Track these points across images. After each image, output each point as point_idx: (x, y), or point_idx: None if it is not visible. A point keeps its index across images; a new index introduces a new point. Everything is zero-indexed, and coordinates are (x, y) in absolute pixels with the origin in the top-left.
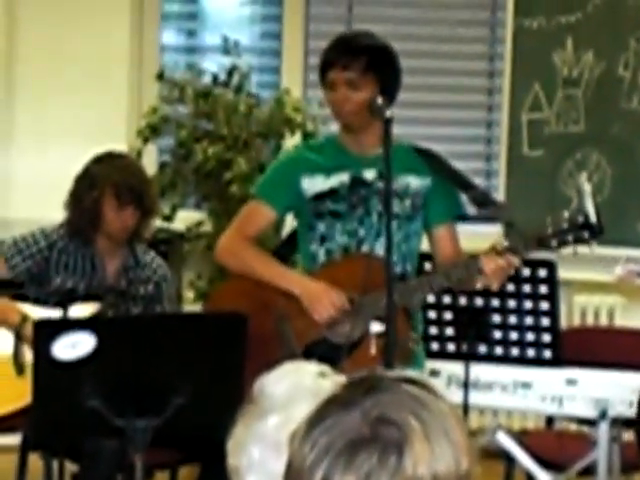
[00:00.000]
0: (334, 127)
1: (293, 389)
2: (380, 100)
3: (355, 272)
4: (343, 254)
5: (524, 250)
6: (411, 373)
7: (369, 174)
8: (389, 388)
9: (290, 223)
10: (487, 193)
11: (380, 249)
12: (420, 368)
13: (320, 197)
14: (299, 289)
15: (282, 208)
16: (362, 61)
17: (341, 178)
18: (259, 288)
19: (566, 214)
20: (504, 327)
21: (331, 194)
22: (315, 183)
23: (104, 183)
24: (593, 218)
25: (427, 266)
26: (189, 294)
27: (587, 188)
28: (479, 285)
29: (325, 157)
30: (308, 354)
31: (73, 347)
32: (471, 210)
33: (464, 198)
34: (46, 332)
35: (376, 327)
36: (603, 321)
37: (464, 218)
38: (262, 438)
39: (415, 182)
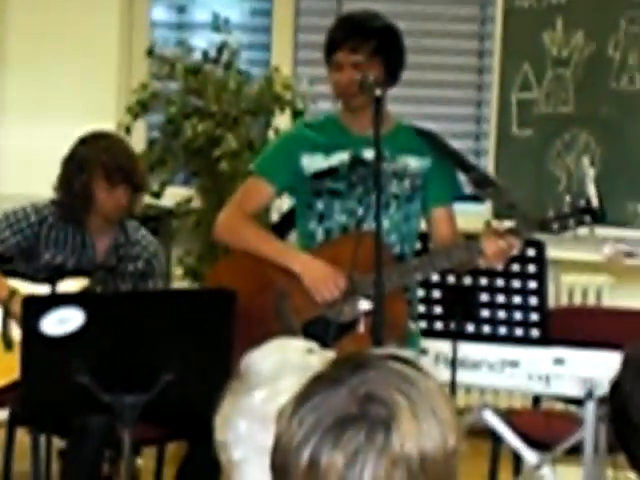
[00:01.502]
0: (324, 105)
1: (280, 364)
2: (371, 78)
3: (353, 250)
4: (342, 233)
5: (526, 232)
6: (398, 351)
7: (369, 154)
8: (376, 366)
9: (278, 204)
10: (487, 175)
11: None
12: (415, 348)
13: (319, 175)
14: (300, 267)
15: (281, 185)
16: (371, 44)
17: (341, 157)
18: (258, 265)
19: (568, 197)
20: (492, 306)
21: (331, 173)
22: (315, 161)
23: (92, 165)
24: (595, 202)
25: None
26: (178, 271)
27: (590, 172)
28: (481, 266)
29: (325, 136)
30: (306, 332)
31: (62, 323)
32: (469, 190)
33: (463, 179)
34: (35, 308)
35: (364, 305)
36: (591, 301)
37: (462, 199)
38: (249, 412)
39: (415, 163)
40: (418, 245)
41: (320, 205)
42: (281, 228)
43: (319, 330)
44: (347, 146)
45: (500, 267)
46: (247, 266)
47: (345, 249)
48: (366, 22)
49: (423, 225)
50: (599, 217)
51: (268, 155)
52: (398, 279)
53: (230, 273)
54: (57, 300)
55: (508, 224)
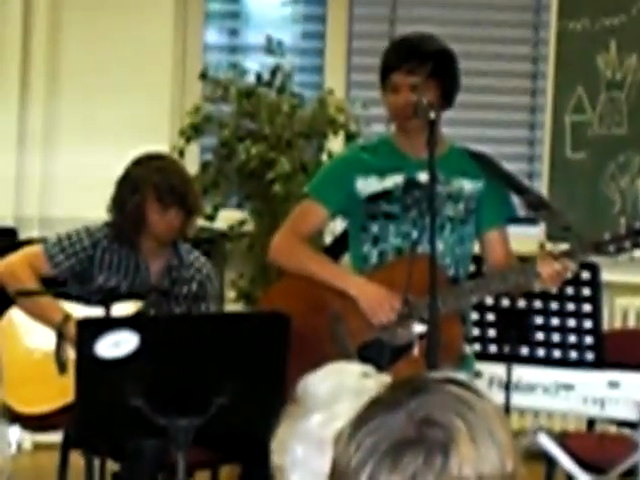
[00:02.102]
0: (377, 128)
1: (336, 388)
2: (425, 101)
3: (408, 273)
4: (397, 255)
5: (581, 254)
6: (455, 374)
7: (423, 176)
8: (434, 389)
9: (331, 226)
10: (542, 197)
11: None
12: (469, 370)
13: (374, 198)
14: (356, 291)
15: (335, 208)
16: (428, 67)
17: (395, 180)
18: (313, 287)
19: (623, 219)
20: (546, 329)
21: (385, 195)
22: (369, 184)
23: (145, 186)
24: None
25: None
26: (231, 294)
27: None
28: (536, 288)
29: (379, 158)
30: (361, 355)
31: (116, 346)
32: (523, 212)
33: (517, 201)
34: (90, 331)
35: (419, 328)
36: None
37: (515, 220)
38: (306, 436)
39: (468, 185)
40: (472, 268)
41: (375, 228)
42: (334, 251)
43: (374, 353)
44: (401, 169)
45: (555, 289)
46: (301, 289)
47: (399, 272)
48: (422, 45)
49: (476, 247)
50: None
51: (322, 178)
52: (454, 302)
53: (284, 296)
54: (112, 323)
55: (563, 246)
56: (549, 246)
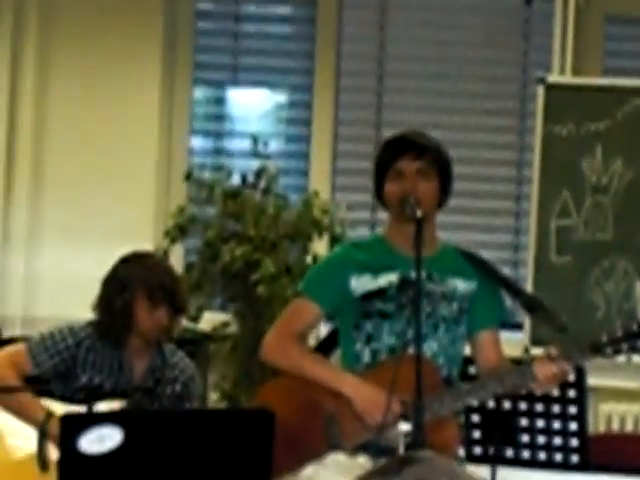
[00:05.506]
0: (362, 231)
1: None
2: (412, 199)
3: (404, 374)
4: (390, 354)
5: (578, 357)
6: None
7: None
8: (424, 461)
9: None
10: (537, 298)
11: (428, 351)
12: None
13: (368, 297)
14: (351, 391)
15: (329, 306)
16: (431, 155)
17: (389, 278)
18: (306, 387)
19: (619, 322)
20: (532, 431)
21: (380, 294)
22: (363, 282)
23: (135, 284)
24: None
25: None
26: (214, 395)
27: None
28: (535, 390)
29: (373, 256)
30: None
31: (100, 441)
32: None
33: (511, 302)
34: (73, 426)
35: (404, 427)
36: (629, 429)
37: (507, 323)
38: None
39: (462, 285)
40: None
41: (368, 326)
42: (323, 349)
43: (369, 454)
44: (395, 267)
45: (553, 391)
46: (294, 388)
47: (396, 372)
48: (424, 136)
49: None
50: None
51: (316, 276)
52: (450, 404)
53: (277, 395)
54: (95, 418)
55: (554, 351)
56: (535, 351)
